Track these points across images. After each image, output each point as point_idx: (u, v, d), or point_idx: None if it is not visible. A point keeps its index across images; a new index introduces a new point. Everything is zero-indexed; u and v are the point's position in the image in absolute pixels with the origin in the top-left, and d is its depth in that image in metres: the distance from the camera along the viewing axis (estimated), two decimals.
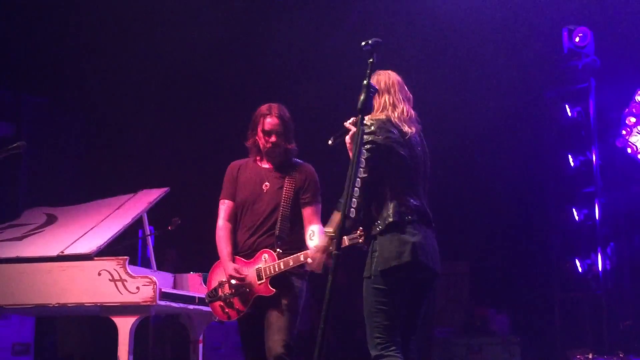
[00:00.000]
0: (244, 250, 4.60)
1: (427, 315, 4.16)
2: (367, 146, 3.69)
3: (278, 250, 4.48)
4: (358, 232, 4.07)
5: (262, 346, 4.43)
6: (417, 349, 3.99)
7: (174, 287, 6.13)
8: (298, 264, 4.39)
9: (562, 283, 8.08)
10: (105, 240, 5.62)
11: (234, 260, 4.59)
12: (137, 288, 5.27)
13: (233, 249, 4.63)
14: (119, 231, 5.77)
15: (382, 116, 3.90)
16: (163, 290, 5.39)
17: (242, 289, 4.50)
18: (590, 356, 6.68)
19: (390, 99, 3.96)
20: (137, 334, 5.40)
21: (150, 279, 5.30)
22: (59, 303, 5.44)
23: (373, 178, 3.75)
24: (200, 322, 6.09)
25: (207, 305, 4.88)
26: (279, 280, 4.46)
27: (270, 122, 4.59)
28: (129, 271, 5.33)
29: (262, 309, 4.48)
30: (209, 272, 4.79)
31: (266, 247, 4.51)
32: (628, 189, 7.98)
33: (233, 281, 4.51)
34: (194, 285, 6.12)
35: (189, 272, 6.27)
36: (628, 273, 7.86)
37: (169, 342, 8.19)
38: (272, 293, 4.43)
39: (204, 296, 5.78)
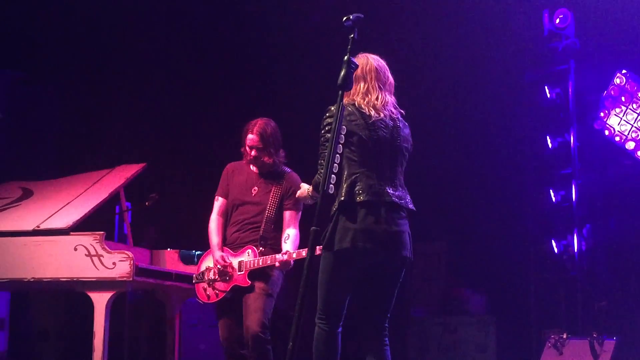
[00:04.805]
0: (230, 243, 5.13)
1: (403, 294, 4.15)
2: (327, 128, 3.62)
3: (261, 248, 5.02)
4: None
5: (235, 327, 5.03)
6: (393, 329, 3.99)
7: (151, 264, 6.11)
8: (272, 264, 4.92)
9: (538, 264, 8.10)
10: (82, 215, 5.60)
11: (222, 250, 5.10)
12: (114, 263, 5.26)
13: (222, 241, 5.15)
14: (95, 206, 5.74)
15: (349, 102, 3.87)
16: (139, 266, 5.38)
17: (225, 275, 5.02)
18: (564, 336, 6.74)
19: (365, 87, 3.91)
20: (114, 310, 5.39)
21: (127, 254, 5.28)
22: (34, 278, 5.42)
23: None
24: (177, 299, 6.09)
25: (189, 283, 5.44)
26: (256, 270, 4.98)
27: (250, 138, 5.09)
28: (106, 246, 5.30)
29: (239, 295, 5.00)
30: (200, 258, 5.30)
31: (249, 243, 5.05)
32: (605, 171, 8.00)
33: (219, 266, 5.01)
34: (171, 261, 6.11)
35: (166, 248, 6.26)
36: (603, 255, 7.89)
37: (146, 318, 8.16)
38: (248, 285, 4.96)
39: (180, 272, 5.82)
